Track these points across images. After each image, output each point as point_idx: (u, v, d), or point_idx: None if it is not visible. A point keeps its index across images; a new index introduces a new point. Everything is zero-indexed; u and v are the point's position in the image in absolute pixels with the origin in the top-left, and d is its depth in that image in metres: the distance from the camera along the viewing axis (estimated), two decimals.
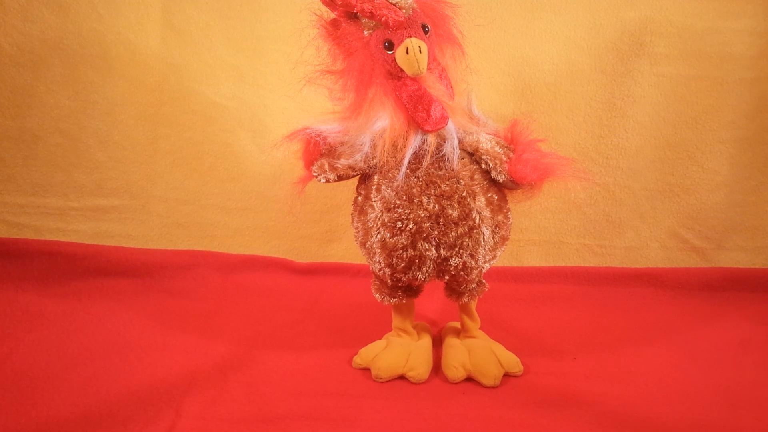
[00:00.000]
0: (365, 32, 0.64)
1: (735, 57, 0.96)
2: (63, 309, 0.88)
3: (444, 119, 0.64)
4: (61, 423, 0.61)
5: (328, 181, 0.68)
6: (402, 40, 0.61)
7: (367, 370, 0.73)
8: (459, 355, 0.73)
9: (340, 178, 0.68)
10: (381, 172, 0.66)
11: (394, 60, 0.62)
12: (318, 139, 0.68)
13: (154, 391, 0.67)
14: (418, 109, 0.63)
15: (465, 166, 0.66)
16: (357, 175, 0.69)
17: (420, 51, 0.61)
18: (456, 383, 0.70)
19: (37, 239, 1.02)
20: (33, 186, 1.02)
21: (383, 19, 0.60)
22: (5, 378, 0.69)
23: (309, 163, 0.68)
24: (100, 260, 1.00)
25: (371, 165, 0.67)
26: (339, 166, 0.67)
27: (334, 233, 1.06)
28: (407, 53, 0.61)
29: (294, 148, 0.69)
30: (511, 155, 0.67)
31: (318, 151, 0.68)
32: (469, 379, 0.71)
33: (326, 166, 0.67)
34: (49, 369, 0.71)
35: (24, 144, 1.01)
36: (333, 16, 0.66)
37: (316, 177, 0.68)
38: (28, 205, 1.03)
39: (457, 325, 0.79)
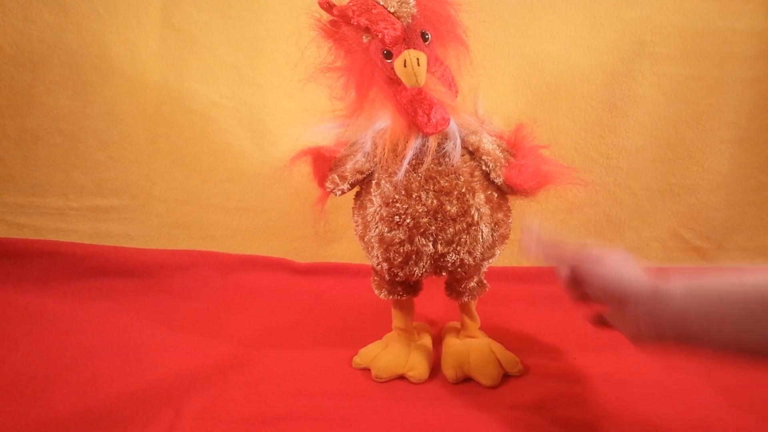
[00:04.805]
0: (364, 38, 0.63)
1: (735, 57, 0.96)
2: (63, 309, 0.88)
3: (445, 121, 0.64)
4: (61, 423, 0.61)
5: (343, 192, 0.69)
6: (400, 52, 0.61)
7: (367, 370, 0.73)
8: (459, 355, 0.73)
9: (352, 185, 0.69)
10: (381, 167, 0.67)
11: (393, 68, 0.62)
12: (325, 153, 0.69)
13: (154, 391, 0.66)
14: (418, 113, 0.63)
15: (465, 163, 0.66)
16: (366, 177, 0.69)
17: (418, 63, 0.60)
18: (456, 383, 0.70)
19: (36, 239, 1.02)
20: (32, 186, 1.02)
21: (379, 36, 0.59)
22: (5, 378, 0.69)
23: (322, 180, 0.69)
24: (100, 260, 1.00)
25: (374, 163, 0.67)
26: (348, 174, 0.68)
27: (334, 233, 1.06)
28: (405, 66, 0.60)
29: (305, 171, 0.70)
30: (512, 159, 0.67)
31: (327, 167, 0.69)
32: (469, 379, 0.71)
33: (337, 178, 0.68)
34: (49, 369, 0.71)
35: (24, 144, 1.01)
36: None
37: (332, 191, 0.68)
38: (27, 205, 1.03)
39: (457, 324, 0.79)
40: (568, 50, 0.97)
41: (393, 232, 0.65)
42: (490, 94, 0.98)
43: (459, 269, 0.67)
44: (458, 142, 0.65)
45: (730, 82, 0.97)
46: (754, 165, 1.00)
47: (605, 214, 1.03)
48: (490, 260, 0.71)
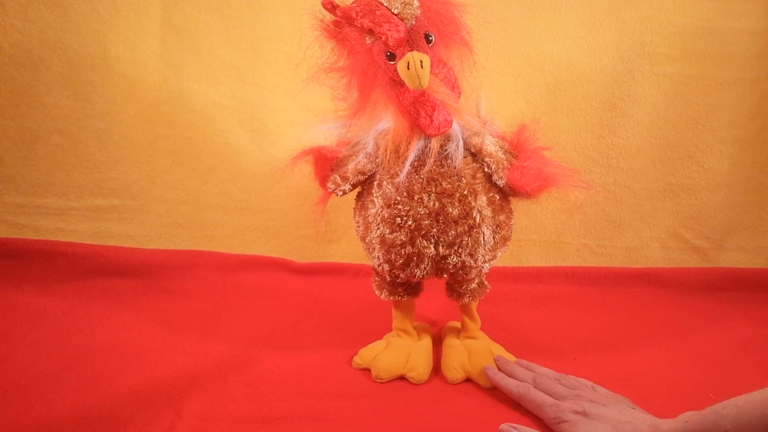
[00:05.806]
0: (367, 39, 0.63)
1: (735, 57, 0.96)
2: (63, 309, 0.87)
3: (447, 123, 0.64)
4: (61, 423, 0.61)
5: (344, 192, 0.69)
6: (404, 54, 0.60)
7: (367, 370, 0.73)
8: (458, 356, 0.73)
9: (354, 186, 0.69)
10: (383, 168, 0.67)
11: (396, 70, 0.62)
12: (327, 153, 0.69)
13: (154, 391, 0.67)
14: (421, 114, 0.63)
15: (468, 165, 0.66)
16: (367, 178, 0.69)
17: (422, 66, 0.60)
18: (456, 384, 0.70)
19: (36, 239, 1.02)
20: (32, 186, 1.02)
21: (383, 38, 0.59)
22: (5, 378, 0.68)
23: (323, 181, 0.69)
24: (99, 260, 0.99)
25: (376, 164, 0.67)
26: (349, 174, 0.68)
27: (334, 233, 1.06)
28: (408, 68, 0.60)
29: (306, 170, 0.70)
30: (514, 161, 0.67)
31: (329, 167, 0.69)
32: (469, 380, 0.71)
33: (338, 179, 0.68)
34: (48, 369, 0.71)
35: (24, 144, 1.01)
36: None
37: (333, 191, 0.69)
38: (27, 205, 1.03)
39: (457, 325, 0.79)
40: (568, 50, 0.97)
41: (394, 234, 0.65)
42: (490, 94, 0.98)
43: (460, 271, 0.68)
44: (461, 143, 0.65)
45: (730, 82, 0.97)
46: (754, 165, 1.00)
47: (605, 214, 1.03)
48: (492, 262, 0.71)
